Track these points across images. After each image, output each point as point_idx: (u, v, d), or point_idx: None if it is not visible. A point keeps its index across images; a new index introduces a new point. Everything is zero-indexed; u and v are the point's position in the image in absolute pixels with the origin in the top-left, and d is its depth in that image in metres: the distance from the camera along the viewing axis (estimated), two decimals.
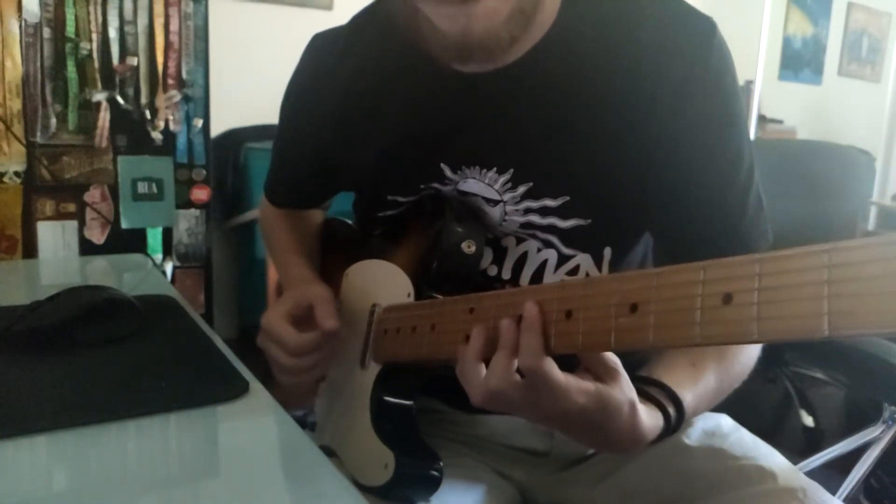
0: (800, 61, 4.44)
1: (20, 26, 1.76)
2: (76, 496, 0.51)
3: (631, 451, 0.58)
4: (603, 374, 0.52)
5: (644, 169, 0.68)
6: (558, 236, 0.72)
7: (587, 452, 0.79)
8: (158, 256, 2.04)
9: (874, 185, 4.41)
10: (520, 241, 0.74)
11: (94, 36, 1.85)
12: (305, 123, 0.81)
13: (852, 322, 0.33)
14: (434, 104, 0.71)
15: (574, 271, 0.74)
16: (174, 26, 1.95)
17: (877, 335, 0.32)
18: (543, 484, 0.79)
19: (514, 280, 0.75)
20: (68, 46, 1.82)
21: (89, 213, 1.92)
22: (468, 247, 0.69)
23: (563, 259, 0.73)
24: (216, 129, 2.22)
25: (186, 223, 2.07)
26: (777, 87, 4.25)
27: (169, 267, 2.06)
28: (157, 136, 1.97)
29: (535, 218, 0.71)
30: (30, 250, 1.87)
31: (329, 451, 0.74)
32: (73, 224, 1.91)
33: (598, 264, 0.74)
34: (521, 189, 0.70)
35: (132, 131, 1.94)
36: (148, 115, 1.95)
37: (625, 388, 0.53)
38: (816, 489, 0.65)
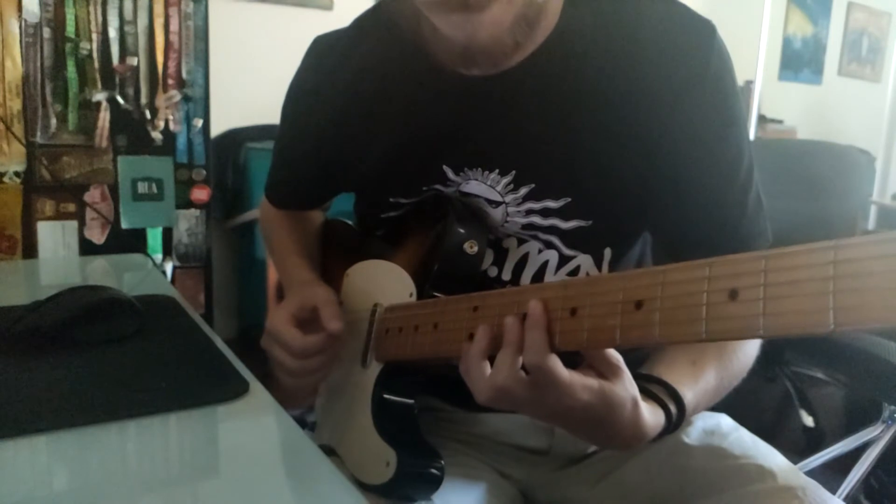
0: (800, 61, 4.44)
1: (20, 26, 1.76)
2: (76, 496, 0.51)
3: (633, 448, 0.59)
4: (606, 371, 0.52)
5: (645, 170, 0.68)
6: (560, 237, 0.72)
7: (587, 451, 0.80)
8: (158, 256, 2.04)
9: (874, 184, 4.41)
10: (521, 242, 0.74)
11: (94, 36, 1.85)
12: (307, 125, 0.81)
13: (857, 317, 0.33)
14: (436, 107, 0.71)
15: (575, 272, 0.74)
16: (174, 26, 1.95)
17: (881, 329, 0.32)
18: (544, 482, 0.79)
19: (515, 281, 0.75)
20: (68, 46, 1.82)
21: (89, 213, 1.92)
22: (471, 247, 0.69)
23: (563, 260, 0.73)
24: (216, 129, 2.22)
25: (186, 223, 2.07)
26: (777, 87, 4.25)
27: (169, 267, 2.06)
28: (157, 136, 1.97)
29: (536, 219, 0.72)
30: (30, 250, 1.86)
31: (329, 450, 0.74)
32: (73, 224, 1.91)
33: (599, 265, 0.74)
34: (523, 190, 0.70)
35: (132, 131, 1.94)
36: (148, 115, 1.95)
37: (627, 385, 0.53)
38: (816, 488, 0.65)
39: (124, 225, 1.97)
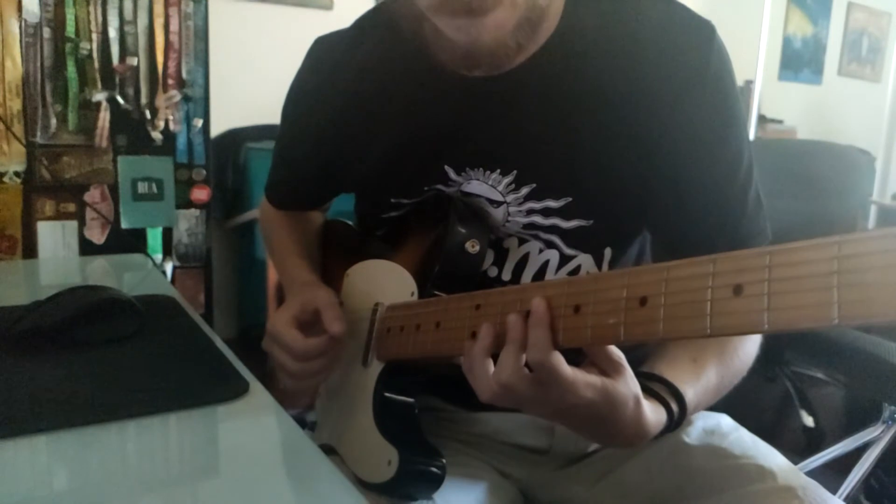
0: (800, 61, 4.44)
1: (20, 26, 1.77)
2: (76, 496, 0.51)
3: (635, 446, 0.59)
4: (608, 369, 0.53)
5: (645, 169, 0.68)
6: (561, 237, 0.72)
7: (587, 450, 0.80)
8: (158, 256, 2.04)
9: (874, 184, 4.41)
10: (522, 242, 0.74)
11: (94, 36, 1.85)
12: (307, 126, 0.81)
13: (861, 311, 0.33)
14: (437, 107, 0.71)
15: (575, 272, 0.74)
16: (174, 26, 1.95)
17: (886, 323, 0.33)
18: (544, 482, 0.80)
19: (515, 281, 0.75)
20: (68, 46, 1.82)
21: (89, 213, 1.92)
22: (472, 246, 0.69)
23: (564, 259, 0.73)
24: (216, 129, 2.22)
25: (186, 223, 2.07)
26: (777, 87, 4.25)
27: (169, 267, 2.06)
28: (157, 136, 1.97)
29: (537, 219, 0.72)
30: (30, 250, 1.87)
31: (329, 450, 0.74)
32: (73, 224, 1.91)
33: (599, 264, 0.74)
34: (525, 190, 0.71)
35: (132, 131, 1.94)
36: (148, 115, 1.95)
37: (630, 383, 0.53)
38: (816, 488, 0.65)
39: (124, 225, 1.97)
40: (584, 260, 0.74)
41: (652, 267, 0.45)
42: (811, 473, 0.73)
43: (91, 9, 1.84)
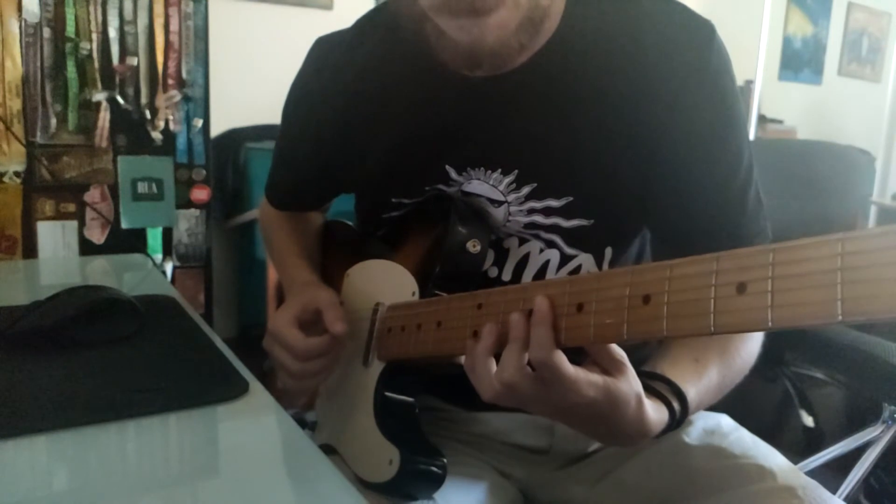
0: (800, 61, 4.44)
1: (20, 26, 1.76)
2: (76, 496, 0.51)
3: (637, 444, 0.59)
4: (610, 368, 0.53)
5: (645, 169, 0.68)
6: (562, 236, 0.72)
7: (587, 450, 0.80)
8: (158, 256, 2.04)
9: (874, 184, 4.41)
10: (522, 242, 0.74)
11: (94, 36, 1.85)
12: (308, 126, 0.81)
13: (865, 307, 0.34)
14: (439, 107, 0.71)
15: (576, 272, 0.74)
16: (174, 26, 1.95)
17: (889, 319, 0.33)
18: (544, 482, 0.80)
19: (516, 282, 0.75)
20: (68, 46, 1.82)
21: (89, 213, 1.92)
22: (473, 246, 0.70)
23: (565, 259, 0.73)
24: (216, 129, 2.22)
25: (186, 223, 2.07)
26: (777, 87, 4.25)
27: (169, 267, 2.06)
28: (157, 136, 1.97)
29: (538, 218, 0.72)
30: (30, 250, 1.87)
31: (329, 450, 0.74)
32: (73, 224, 1.91)
33: (600, 264, 0.74)
34: (526, 190, 0.71)
35: (132, 131, 1.94)
36: (148, 115, 1.95)
37: (632, 382, 0.53)
38: (816, 488, 0.65)
39: (124, 225, 1.97)
40: (585, 259, 0.74)
41: (655, 265, 0.45)
42: (811, 473, 0.73)
43: (91, 9, 1.84)
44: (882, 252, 0.33)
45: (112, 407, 0.62)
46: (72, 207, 1.90)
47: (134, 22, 1.90)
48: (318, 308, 0.72)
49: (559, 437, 0.79)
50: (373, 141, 0.75)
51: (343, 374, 0.77)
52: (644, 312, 0.44)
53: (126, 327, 0.80)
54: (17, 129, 1.78)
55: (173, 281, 2.06)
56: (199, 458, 0.59)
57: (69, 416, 0.60)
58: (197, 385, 0.69)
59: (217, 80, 2.07)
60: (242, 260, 2.56)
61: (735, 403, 0.72)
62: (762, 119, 3.75)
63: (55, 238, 1.89)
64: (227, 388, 0.68)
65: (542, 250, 0.74)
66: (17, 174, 1.82)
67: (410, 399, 0.70)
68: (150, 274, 1.12)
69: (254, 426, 0.64)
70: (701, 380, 0.63)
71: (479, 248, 0.70)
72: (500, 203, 0.72)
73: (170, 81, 1.97)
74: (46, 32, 1.79)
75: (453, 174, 0.72)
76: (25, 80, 1.78)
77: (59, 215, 1.89)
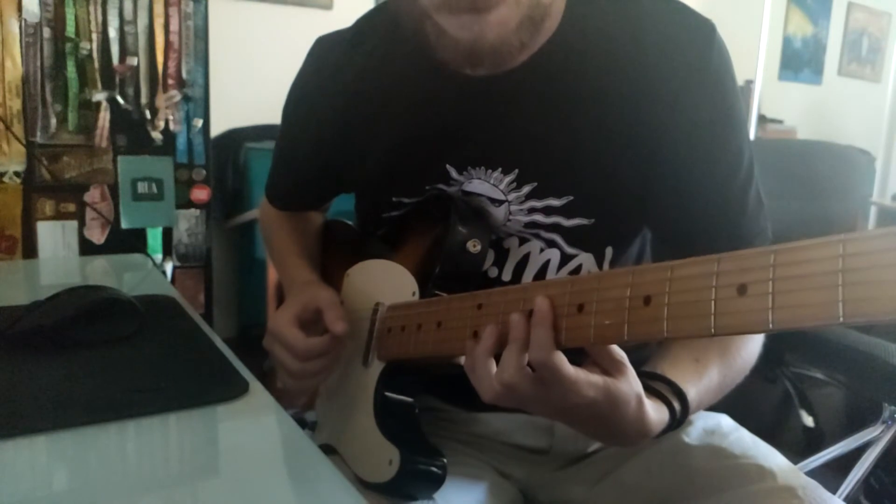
0: (800, 61, 4.44)
1: (20, 26, 1.76)
2: (76, 496, 0.51)
3: (637, 444, 0.59)
4: (610, 368, 0.53)
5: (646, 168, 0.68)
6: (562, 235, 0.72)
7: (587, 450, 0.80)
8: (158, 256, 2.04)
9: (874, 185, 4.41)
10: (522, 241, 0.74)
11: (94, 36, 1.85)
12: (308, 126, 0.81)
13: (866, 309, 0.34)
14: (439, 106, 0.71)
15: (576, 271, 0.74)
16: (174, 26, 1.95)
17: (890, 321, 0.33)
18: (544, 482, 0.79)
19: (516, 282, 0.75)
20: (68, 46, 1.82)
21: (89, 213, 1.92)
22: (473, 246, 0.70)
23: (565, 259, 0.73)
24: (216, 129, 2.22)
25: (186, 223, 2.07)
26: (777, 87, 4.25)
27: (169, 267, 2.06)
28: (157, 136, 1.97)
29: (539, 217, 0.72)
30: (30, 250, 1.87)
31: (329, 450, 0.74)
32: (73, 224, 1.91)
33: (600, 263, 0.74)
34: (526, 189, 0.71)
35: (132, 131, 1.94)
36: (148, 115, 1.95)
37: (632, 382, 0.53)
38: (816, 488, 0.65)
39: (124, 225, 1.97)
40: (586, 259, 0.74)
41: (656, 266, 0.45)
42: (811, 473, 0.73)
43: (91, 9, 1.84)
44: (883, 253, 0.33)
45: (112, 407, 0.62)
46: (72, 207, 1.90)
47: (134, 22, 1.90)
48: (319, 307, 0.72)
49: (559, 438, 0.79)
50: (373, 140, 0.75)
51: (343, 374, 0.77)
52: (644, 313, 0.44)
53: (126, 327, 0.80)
54: (17, 129, 1.78)
55: (173, 281, 2.06)
56: (199, 458, 0.59)
57: (69, 416, 0.60)
58: (197, 385, 0.68)
59: (217, 80, 2.07)
60: (242, 260, 2.56)
61: (735, 403, 0.72)
62: (762, 119, 3.75)
63: (55, 238, 1.89)
64: (227, 388, 0.68)
65: (542, 250, 0.74)
66: (17, 174, 1.82)
67: (410, 399, 0.70)
68: (150, 274, 1.12)
69: (254, 426, 0.64)
70: (701, 380, 0.63)
71: (479, 247, 0.70)
72: (500, 202, 0.72)
73: (170, 81, 1.97)
74: (46, 32, 1.79)
75: (454, 173, 0.72)
76: (25, 80, 1.78)
77: (59, 215, 1.89)
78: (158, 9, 1.92)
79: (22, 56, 1.78)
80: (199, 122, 2.03)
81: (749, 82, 3.38)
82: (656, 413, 0.57)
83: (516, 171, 0.70)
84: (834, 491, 0.78)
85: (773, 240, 0.72)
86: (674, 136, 0.67)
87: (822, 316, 0.35)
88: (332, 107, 0.77)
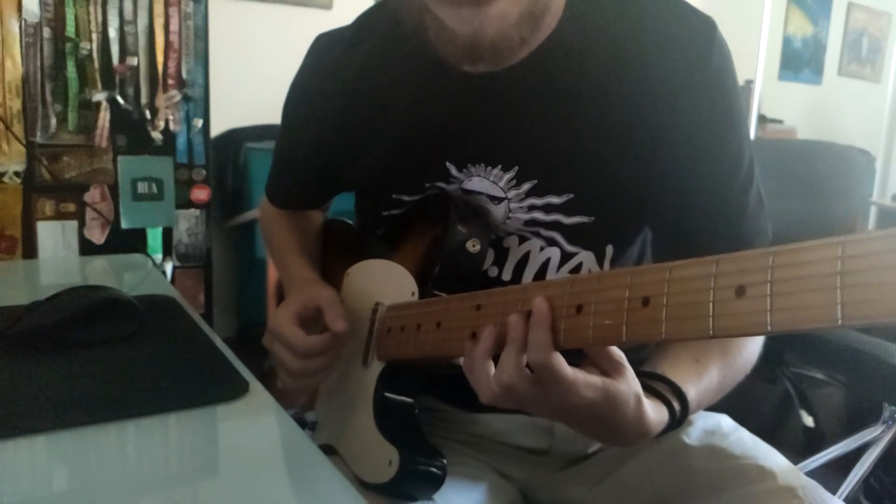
0: (800, 61, 4.44)
1: (20, 26, 1.76)
2: (76, 496, 0.51)
3: (637, 444, 0.58)
4: (609, 369, 0.52)
5: (646, 166, 0.68)
6: (562, 233, 0.72)
7: (587, 451, 0.80)
8: (158, 256, 2.04)
9: (874, 185, 4.41)
10: (522, 240, 0.74)
11: (94, 36, 1.85)
12: (308, 124, 0.81)
13: (865, 311, 0.33)
14: (439, 104, 0.71)
15: (577, 270, 0.74)
16: (174, 26, 1.95)
17: (889, 324, 0.33)
18: (544, 483, 0.79)
19: (516, 281, 0.75)
20: (68, 46, 1.82)
21: (89, 213, 1.92)
22: (473, 245, 0.69)
23: (566, 257, 0.73)
24: (216, 129, 2.22)
25: (186, 223, 2.07)
26: (777, 87, 4.25)
27: (169, 267, 2.06)
28: (157, 136, 1.97)
29: (539, 215, 0.72)
30: (30, 250, 1.86)
31: (329, 450, 0.74)
32: (73, 224, 1.91)
33: (601, 262, 0.74)
34: (526, 186, 0.71)
35: (132, 131, 1.94)
36: (148, 115, 1.95)
37: (631, 382, 0.53)
38: (816, 488, 0.65)
39: (124, 225, 1.97)
40: (586, 257, 0.73)
41: (654, 267, 0.44)
42: (811, 473, 0.73)
43: (91, 9, 1.83)
44: (882, 255, 0.33)
45: (112, 407, 0.62)
46: (72, 207, 1.90)
47: (134, 22, 1.90)
48: (319, 306, 0.72)
49: (559, 439, 0.79)
50: (373, 138, 0.75)
51: (343, 373, 0.77)
52: (643, 315, 0.44)
53: (126, 327, 0.80)
54: (17, 129, 1.78)
55: (173, 281, 2.06)
56: (199, 458, 0.59)
57: (69, 416, 0.60)
58: (197, 385, 0.68)
59: (217, 80, 2.07)
60: (242, 260, 2.56)
61: (735, 403, 0.72)
62: (762, 119, 3.75)
63: (55, 238, 1.89)
64: (227, 388, 0.68)
65: (542, 248, 0.74)
66: (17, 174, 1.82)
67: (410, 399, 0.70)
68: (150, 274, 1.12)
69: (254, 426, 0.64)
70: (701, 380, 0.63)
71: (478, 247, 0.70)
72: (500, 200, 0.72)
73: (170, 81, 1.97)
74: (46, 32, 1.79)
75: (453, 171, 0.72)
76: (25, 80, 1.78)
77: (59, 215, 1.89)
78: (158, 9, 1.92)
79: (22, 56, 1.77)
80: (199, 122, 2.03)
81: (749, 82, 3.38)
82: (656, 413, 0.57)
83: (516, 168, 0.70)
84: (834, 491, 0.78)
85: (773, 240, 0.71)
86: (674, 135, 0.67)
87: (820, 318, 0.35)
88: (332, 105, 0.77)
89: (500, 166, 0.71)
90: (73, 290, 0.82)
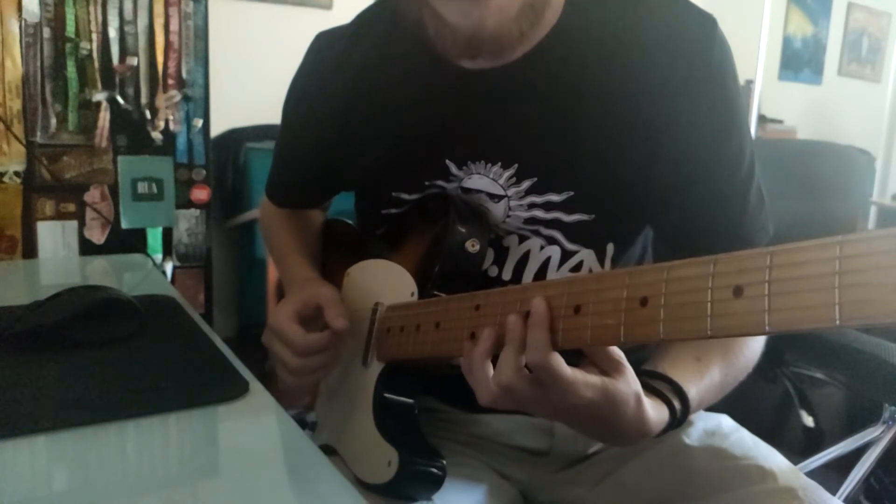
0: (800, 61, 4.44)
1: (20, 26, 1.76)
2: (76, 496, 0.51)
3: (638, 444, 0.58)
4: (608, 368, 0.52)
5: (647, 164, 0.68)
6: (562, 231, 0.72)
7: (587, 451, 0.79)
8: (158, 256, 2.04)
9: (874, 184, 4.41)
10: (522, 239, 0.74)
11: (94, 36, 1.85)
12: (308, 122, 0.81)
13: (863, 311, 0.33)
14: (439, 101, 0.71)
15: (577, 268, 0.74)
16: (174, 26, 1.95)
17: (887, 324, 0.32)
18: (544, 484, 0.79)
19: (516, 281, 0.74)
20: (68, 46, 1.82)
21: (89, 213, 1.92)
22: (472, 245, 0.69)
23: (566, 255, 0.73)
24: (216, 129, 2.21)
25: (186, 223, 2.07)
26: (777, 87, 4.25)
27: (169, 267, 2.06)
28: (157, 136, 1.97)
29: (539, 213, 0.71)
30: (30, 250, 1.86)
31: (329, 450, 0.74)
32: (73, 224, 1.91)
33: (601, 260, 0.74)
34: (526, 184, 0.70)
35: (132, 131, 1.94)
36: (148, 115, 1.95)
37: (630, 382, 0.53)
38: (816, 489, 0.65)
39: (124, 225, 1.97)
40: (587, 256, 0.73)
41: (652, 267, 0.44)
42: (811, 474, 0.73)
43: (91, 9, 1.83)
44: (881, 255, 0.33)
45: (112, 407, 0.62)
46: (72, 207, 1.90)
47: (134, 22, 1.90)
48: (319, 304, 0.72)
49: (559, 439, 0.79)
50: (373, 136, 0.75)
51: (343, 373, 0.77)
52: (641, 315, 0.44)
53: (126, 327, 0.80)
54: (17, 129, 1.78)
55: (173, 281, 2.06)
56: (199, 458, 0.59)
57: (69, 416, 0.60)
58: (197, 385, 0.68)
59: (217, 80, 2.06)
60: (242, 260, 2.56)
61: (735, 403, 0.72)
62: (762, 119, 3.75)
63: (55, 238, 1.89)
64: (227, 388, 0.68)
65: (542, 247, 0.73)
66: (17, 174, 1.82)
67: (410, 400, 0.70)
68: (150, 274, 1.12)
69: (254, 426, 0.64)
70: (702, 379, 0.63)
71: (478, 247, 0.70)
72: (500, 197, 0.72)
73: (170, 81, 1.97)
74: (46, 32, 1.79)
75: (453, 168, 0.72)
76: (25, 80, 1.78)
77: (59, 215, 1.89)
78: (158, 9, 1.92)
79: (22, 56, 1.77)
80: (199, 122, 2.03)
81: (749, 82, 3.39)
82: (656, 412, 0.57)
83: (516, 165, 0.70)
84: (834, 491, 0.78)
85: (773, 240, 0.71)
86: (675, 131, 0.67)
87: (818, 318, 0.35)
88: (332, 103, 0.77)
89: (499, 164, 0.71)
90: (73, 290, 0.82)
